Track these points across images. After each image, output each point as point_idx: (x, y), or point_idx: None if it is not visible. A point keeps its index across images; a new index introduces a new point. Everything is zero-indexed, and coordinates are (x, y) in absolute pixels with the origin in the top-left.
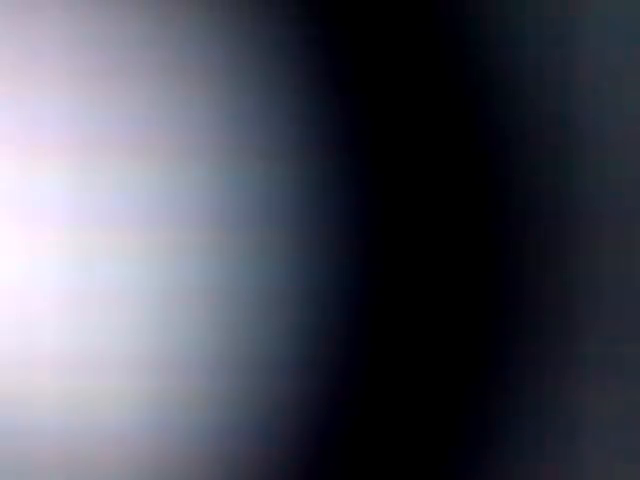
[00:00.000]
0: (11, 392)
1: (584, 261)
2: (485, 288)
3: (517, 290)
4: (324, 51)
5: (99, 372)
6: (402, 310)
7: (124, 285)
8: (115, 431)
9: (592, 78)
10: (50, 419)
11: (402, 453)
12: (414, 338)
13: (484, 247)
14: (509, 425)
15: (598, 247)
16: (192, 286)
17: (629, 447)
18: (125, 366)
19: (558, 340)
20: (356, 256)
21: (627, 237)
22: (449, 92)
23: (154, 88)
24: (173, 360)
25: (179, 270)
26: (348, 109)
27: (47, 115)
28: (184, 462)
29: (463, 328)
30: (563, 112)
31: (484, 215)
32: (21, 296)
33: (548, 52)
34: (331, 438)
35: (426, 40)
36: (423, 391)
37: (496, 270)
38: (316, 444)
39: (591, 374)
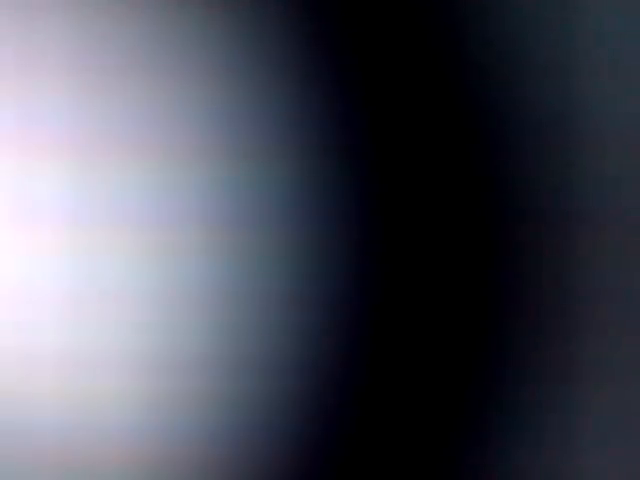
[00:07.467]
0: (11, 392)
1: (584, 261)
2: (484, 288)
3: (517, 290)
4: (323, 52)
5: (99, 372)
6: (402, 311)
7: (124, 285)
8: (115, 431)
9: (592, 77)
10: (50, 419)
11: (402, 453)
12: (414, 338)
13: (483, 247)
14: (509, 425)
15: (598, 247)
16: (192, 286)
17: (629, 447)
18: (125, 366)
19: (558, 340)
20: (355, 257)
21: (627, 237)
22: (448, 92)
23: (154, 88)
24: (173, 360)
25: (179, 270)
26: (347, 109)
27: (47, 115)
28: (184, 462)
29: (462, 328)
30: (563, 112)
31: (484, 215)
32: (21, 296)
33: (548, 51)
34: (331, 438)
35: (425, 39)
36: (423, 391)
37: (495, 270)
38: (316, 444)
39: (591, 374)
